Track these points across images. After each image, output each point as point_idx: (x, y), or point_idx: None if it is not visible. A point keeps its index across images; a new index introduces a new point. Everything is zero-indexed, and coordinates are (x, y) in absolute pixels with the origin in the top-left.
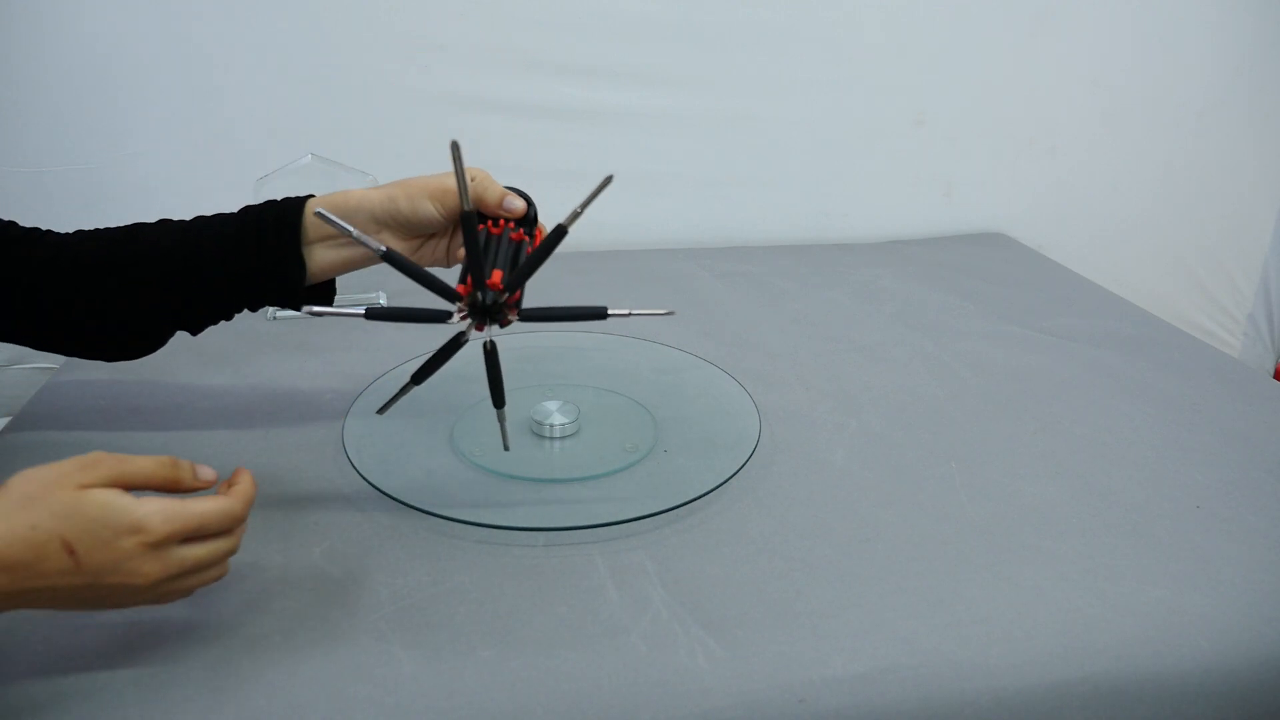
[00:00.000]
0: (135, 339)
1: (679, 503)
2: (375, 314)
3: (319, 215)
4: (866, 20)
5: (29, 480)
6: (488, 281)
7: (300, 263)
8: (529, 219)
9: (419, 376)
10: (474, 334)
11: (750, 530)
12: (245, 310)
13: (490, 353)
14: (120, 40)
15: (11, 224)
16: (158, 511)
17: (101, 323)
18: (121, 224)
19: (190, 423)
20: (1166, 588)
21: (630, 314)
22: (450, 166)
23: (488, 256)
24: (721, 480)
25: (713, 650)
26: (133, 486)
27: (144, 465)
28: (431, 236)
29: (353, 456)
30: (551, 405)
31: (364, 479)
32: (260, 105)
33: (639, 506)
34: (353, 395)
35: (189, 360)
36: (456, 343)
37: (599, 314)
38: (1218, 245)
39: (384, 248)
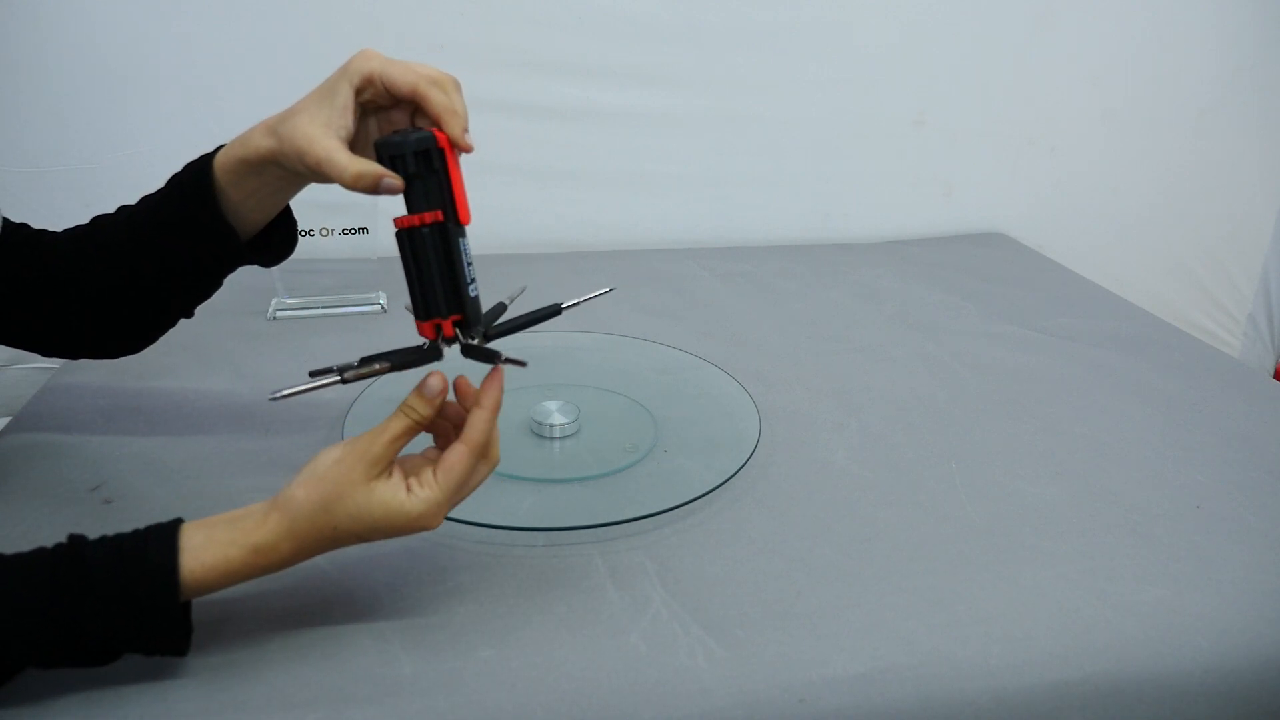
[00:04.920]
0: (122, 327)
1: (679, 503)
2: (353, 378)
3: (277, 399)
4: (866, 20)
5: (321, 481)
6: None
7: (222, 223)
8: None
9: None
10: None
11: (750, 530)
12: (219, 278)
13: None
14: (120, 40)
15: (23, 226)
16: (431, 512)
17: (81, 316)
18: None
19: (190, 423)
20: (1166, 588)
21: (579, 302)
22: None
23: (430, 286)
24: (721, 480)
25: (713, 650)
26: (401, 456)
27: (396, 433)
28: None
29: None
30: (551, 405)
31: None
32: (260, 105)
33: (639, 506)
34: (353, 395)
35: (189, 360)
36: (425, 358)
37: (554, 312)
38: (1218, 245)
39: (340, 379)
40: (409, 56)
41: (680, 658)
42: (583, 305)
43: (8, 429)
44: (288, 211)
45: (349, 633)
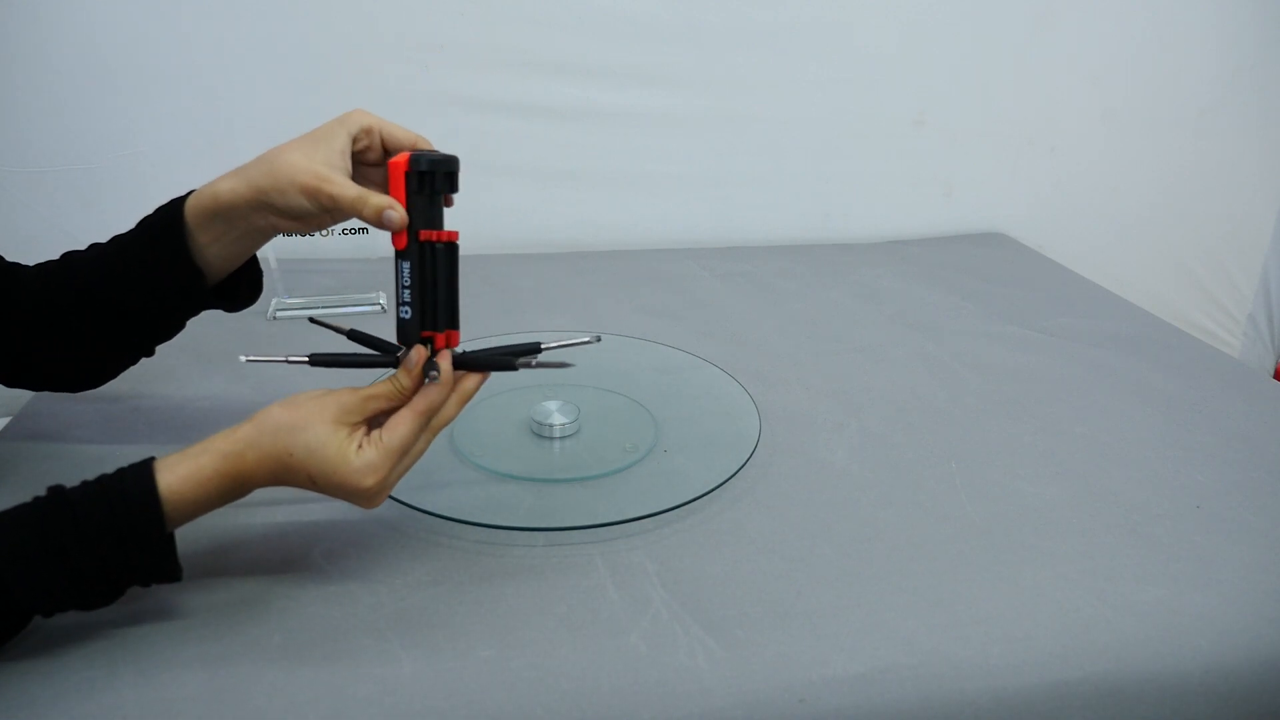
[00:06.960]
0: (85, 363)
1: (679, 503)
2: (320, 360)
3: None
4: (866, 20)
5: (297, 407)
6: (443, 343)
7: (189, 265)
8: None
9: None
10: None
11: (750, 530)
12: (183, 319)
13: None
14: (121, 40)
15: None
16: (369, 468)
17: (44, 354)
18: (122, 224)
19: (190, 422)
20: (1166, 588)
21: (560, 346)
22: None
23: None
24: (721, 480)
25: (713, 650)
26: (379, 413)
27: (374, 392)
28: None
29: None
30: (551, 405)
31: None
32: (260, 105)
33: (639, 506)
34: None
35: (189, 360)
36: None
37: (533, 349)
38: (1218, 245)
39: (306, 358)
40: (410, 56)
41: (680, 658)
42: (578, 306)
43: (7, 429)
44: (253, 261)
45: (349, 633)
